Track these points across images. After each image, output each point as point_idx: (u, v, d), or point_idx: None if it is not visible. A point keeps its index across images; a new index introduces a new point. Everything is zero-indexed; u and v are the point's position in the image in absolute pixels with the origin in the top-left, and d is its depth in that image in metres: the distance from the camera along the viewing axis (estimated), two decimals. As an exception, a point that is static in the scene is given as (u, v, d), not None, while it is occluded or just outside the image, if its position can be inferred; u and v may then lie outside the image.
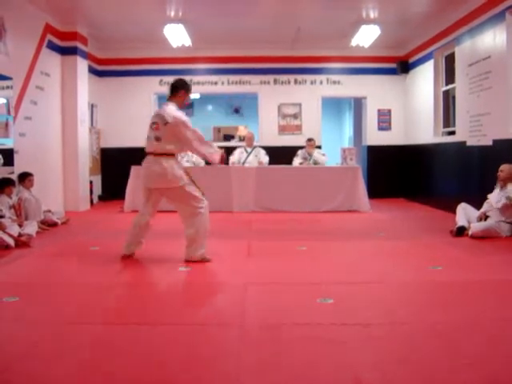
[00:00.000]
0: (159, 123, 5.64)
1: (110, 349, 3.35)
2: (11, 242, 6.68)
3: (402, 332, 3.59)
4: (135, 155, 12.67)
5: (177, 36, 11.18)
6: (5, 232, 6.72)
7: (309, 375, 2.91)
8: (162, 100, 13.97)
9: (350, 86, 13.63)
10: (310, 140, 11.65)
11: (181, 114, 5.71)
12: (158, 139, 5.63)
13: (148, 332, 3.67)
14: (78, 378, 2.89)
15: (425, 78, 12.09)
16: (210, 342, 3.47)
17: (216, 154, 5.85)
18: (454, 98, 10.71)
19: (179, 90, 5.87)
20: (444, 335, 3.51)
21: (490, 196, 7.62)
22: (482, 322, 3.79)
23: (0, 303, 4.29)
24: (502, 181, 7.46)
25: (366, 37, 11.47)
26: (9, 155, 8.61)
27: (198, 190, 5.74)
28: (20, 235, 7.00)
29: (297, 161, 11.53)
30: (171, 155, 5.69)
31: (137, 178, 10.58)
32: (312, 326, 3.71)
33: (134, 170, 10.67)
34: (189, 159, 11.47)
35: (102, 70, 13.44)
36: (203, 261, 5.71)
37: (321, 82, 13.61)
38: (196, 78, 13.24)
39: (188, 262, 5.66)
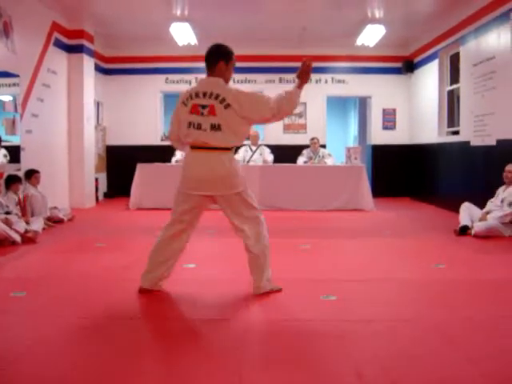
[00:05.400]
0: (215, 105, 4.14)
1: (116, 343, 3.40)
2: (18, 238, 6.74)
3: (404, 329, 3.63)
4: (141, 153, 12.76)
5: (183, 34, 11.24)
6: (11, 228, 6.78)
7: (311, 369, 2.95)
8: (168, 98, 14.02)
9: (355, 85, 13.67)
10: (313, 139, 11.70)
11: (238, 88, 4.33)
12: (215, 128, 4.13)
13: (153, 326, 3.73)
14: (84, 372, 2.95)
15: (430, 77, 12.11)
16: (214, 336, 3.52)
17: (299, 91, 4.29)
18: (458, 97, 10.73)
19: (216, 60, 4.36)
20: (446, 332, 3.55)
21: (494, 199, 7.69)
22: (484, 320, 3.83)
23: (8, 298, 4.36)
24: (510, 182, 7.51)
25: (372, 36, 11.51)
26: (15, 152, 8.67)
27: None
28: (26, 231, 7.06)
29: (301, 159, 11.57)
30: (229, 150, 4.28)
31: (143, 175, 10.66)
32: (315, 322, 3.76)
33: (139, 167, 10.73)
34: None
35: (109, 68, 13.50)
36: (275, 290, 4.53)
37: (326, 81, 13.65)
38: (202, 77, 13.28)
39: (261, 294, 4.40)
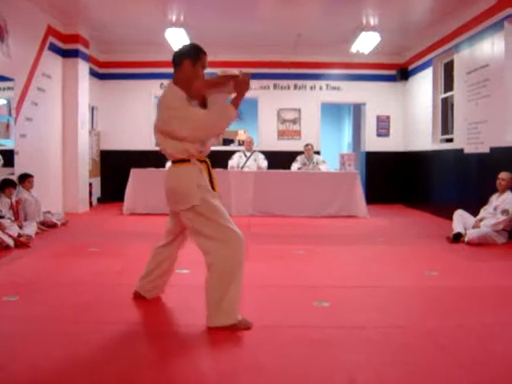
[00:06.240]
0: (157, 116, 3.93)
1: (108, 348, 3.39)
2: (11, 242, 6.73)
3: (397, 335, 3.64)
4: (135, 158, 12.73)
5: (178, 40, 11.23)
6: (4, 232, 6.77)
7: (304, 376, 2.96)
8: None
9: (350, 92, 13.70)
10: (307, 145, 11.74)
11: (170, 102, 3.81)
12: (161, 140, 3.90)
13: (145, 331, 3.72)
14: (76, 377, 2.94)
15: (424, 85, 12.15)
16: (208, 342, 3.52)
17: (232, 112, 3.82)
18: (452, 105, 10.77)
19: (181, 60, 3.92)
20: (438, 339, 3.56)
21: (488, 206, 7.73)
22: (476, 327, 3.85)
23: (0, 302, 4.35)
24: (503, 190, 7.55)
25: (366, 43, 11.52)
26: (9, 156, 8.65)
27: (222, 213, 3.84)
28: (19, 236, 7.05)
29: (295, 166, 11.59)
30: (181, 162, 3.87)
31: (137, 181, 10.66)
32: (308, 329, 3.76)
33: (133, 172, 10.72)
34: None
35: (103, 72, 13.49)
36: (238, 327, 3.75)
37: (320, 88, 13.67)
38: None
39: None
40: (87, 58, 11.70)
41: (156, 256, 4.34)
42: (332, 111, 17.60)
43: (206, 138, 3.91)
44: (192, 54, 3.93)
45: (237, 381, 2.91)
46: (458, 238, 7.49)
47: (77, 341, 3.49)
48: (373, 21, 10.58)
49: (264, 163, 11.59)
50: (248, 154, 11.78)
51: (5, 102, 8.93)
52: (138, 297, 4.46)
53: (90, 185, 12.21)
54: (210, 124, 3.81)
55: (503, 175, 7.56)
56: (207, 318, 3.75)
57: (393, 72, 13.55)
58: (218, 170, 11.07)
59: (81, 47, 11.22)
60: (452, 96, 10.72)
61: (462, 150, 9.74)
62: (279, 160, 12.17)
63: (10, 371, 2.99)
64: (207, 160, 4.04)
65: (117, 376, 2.96)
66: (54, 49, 10.60)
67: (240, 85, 3.87)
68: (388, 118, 13.82)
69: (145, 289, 4.43)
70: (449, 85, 11.04)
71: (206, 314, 3.76)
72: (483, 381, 2.93)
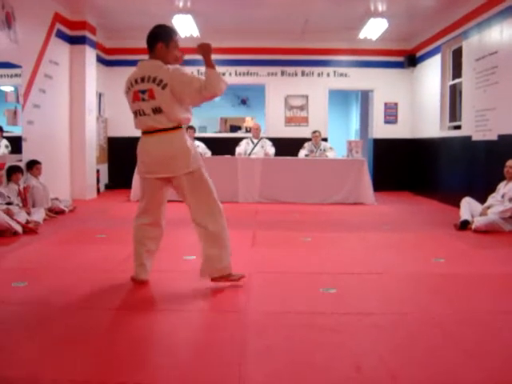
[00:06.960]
0: (153, 89, 4.11)
1: (116, 334, 3.42)
2: (19, 228, 6.76)
3: (404, 322, 3.65)
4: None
5: (185, 27, 11.20)
6: (13, 219, 6.80)
7: (310, 361, 2.97)
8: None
9: (357, 79, 13.65)
10: (314, 132, 11.73)
11: (176, 69, 4.23)
12: (157, 111, 4.12)
13: (154, 318, 3.74)
14: (86, 363, 2.96)
15: (432, 71, 12.09)
16: (215, 327, 3.54)
17: (211, 70, 4.32)
18: (460, 92, 10.72)
19: (155, 43, 4.37)
20: (444, 326, 3.57)
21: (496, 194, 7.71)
22: (483, 315, 3.84)
23: (9, 288, 4.38)
24: (510, 177, 7.53)
25: (374, 30, 11.47)
26: (17, 143, 8.67)
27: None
28: (28, 222, 7.09)
29: (303, 152, 11.59)
30: (177, 128, 4.20)
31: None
32: (314, 315, 3.77)
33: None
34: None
35: (110, 59, 13.48)
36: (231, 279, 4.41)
37: (328, 75, 13.63)
38: (203, 69, 13.25)
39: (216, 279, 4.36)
40: (94, 45, 11.70)
41: (148, 240, 4.52)
42: (339, 98, 17.54)
43: (212, 97, 4.26)
44: (164, 37, 4.33)
45: (244, 363, 2.92)
46: (465, 225, 7.48)
47: (82, 327, 3.51)
48: (381, 7, 10.52)
49: (271, 150, 11.58)
50: (255, 140, 11.77)
51: (12, 88, 8.93)
52: (138, 282, 4.52)
53: (98, 171, 12.24)
54: (214, 82, 4.20)
55: (511, 163, 7.54)
56: (208, 271, 4.32)
57: (401, 59, 13.49)
58: (226, 156, 11.10)
59: (88, 34, 11.21)
60: (460, 83, 10.67)
61: (469, 138, 9.71)
62: (286, 147, 12.15)
63: (16, 355, 3.02)
64: None
65: (125, 360, 2.98)
66: (62, 36, 10.60)
67: (203, 48, 4.33)
68: (396, 104, 13.77)
69: (138, 270, 4.54)
70: (457, 71, 10.99)
71: (202, 267, 4.34)
72: (490, 368, 2.92)
